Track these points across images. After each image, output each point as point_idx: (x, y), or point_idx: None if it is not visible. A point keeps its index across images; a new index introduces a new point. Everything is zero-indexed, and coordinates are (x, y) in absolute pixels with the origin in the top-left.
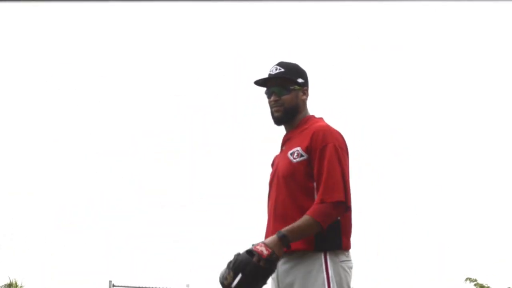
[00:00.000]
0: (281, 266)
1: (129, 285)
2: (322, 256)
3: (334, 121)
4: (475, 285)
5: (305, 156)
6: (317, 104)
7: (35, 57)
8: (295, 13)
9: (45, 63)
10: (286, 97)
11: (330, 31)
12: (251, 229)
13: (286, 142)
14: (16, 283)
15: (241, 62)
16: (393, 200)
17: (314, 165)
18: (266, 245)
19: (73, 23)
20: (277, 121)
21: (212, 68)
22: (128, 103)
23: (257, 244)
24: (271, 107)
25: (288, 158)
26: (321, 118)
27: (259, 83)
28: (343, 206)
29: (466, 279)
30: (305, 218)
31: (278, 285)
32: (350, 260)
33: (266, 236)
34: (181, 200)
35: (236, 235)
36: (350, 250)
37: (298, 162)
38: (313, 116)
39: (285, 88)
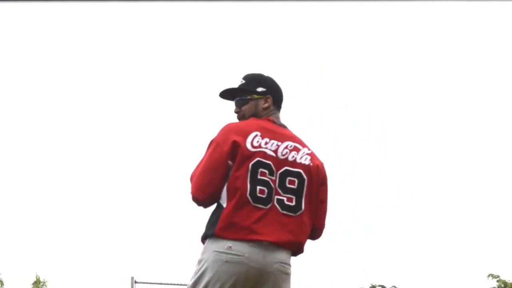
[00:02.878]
0: None
1: (151, 282)
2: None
3: (331, 121)
4: (497, 281)
5: None
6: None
7: (34, 57)
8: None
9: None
10: (245, 108)
11: (327, 31)
12: None
13: None
14: (39, 279)
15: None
16: (416, 196)
17: None
18: None
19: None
20: None
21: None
22: (137, 102)
23: None
24: (237, 117)
25: None
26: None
27: (225, 96)
28: (193, 199)
29: (489, 276)
30: None
31: None
32: (230, 254)
33: None
34: None
35: None
36: (239, 246)
37: None
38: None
39: (245, 99)
